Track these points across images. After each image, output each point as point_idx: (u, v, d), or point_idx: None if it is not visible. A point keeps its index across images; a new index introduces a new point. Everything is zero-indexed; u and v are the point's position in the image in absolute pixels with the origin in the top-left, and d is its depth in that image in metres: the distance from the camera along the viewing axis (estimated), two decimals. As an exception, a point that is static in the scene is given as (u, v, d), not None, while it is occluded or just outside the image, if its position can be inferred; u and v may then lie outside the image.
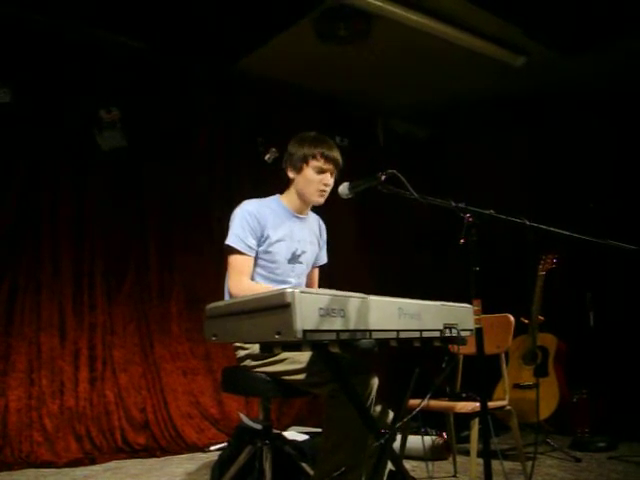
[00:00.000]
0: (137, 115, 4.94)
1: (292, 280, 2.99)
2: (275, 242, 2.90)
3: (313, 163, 2.90)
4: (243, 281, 2.81)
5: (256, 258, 2.90)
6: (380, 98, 6.19)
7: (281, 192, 3.05)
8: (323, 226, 3.24)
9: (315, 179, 2.91)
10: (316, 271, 3.28)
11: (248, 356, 2.80)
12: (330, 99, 6.05)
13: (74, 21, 4.55)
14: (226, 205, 2.99)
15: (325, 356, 2.13)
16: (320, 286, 3.27)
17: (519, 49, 5.11)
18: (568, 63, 5.24)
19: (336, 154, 2.94)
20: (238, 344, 2.83)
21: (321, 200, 2.97)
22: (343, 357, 2.71)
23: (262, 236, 2.88)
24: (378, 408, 2.63)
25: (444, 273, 6.23)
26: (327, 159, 2.90)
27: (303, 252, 3.01)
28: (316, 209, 3.12)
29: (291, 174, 2.97)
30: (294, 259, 2.98)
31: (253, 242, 2.85)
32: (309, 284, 3.24)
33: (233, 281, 2.83)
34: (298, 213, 3.03)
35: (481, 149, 6.22)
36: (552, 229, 2.33)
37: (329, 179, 2.94)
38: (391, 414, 2.65)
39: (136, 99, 4.96)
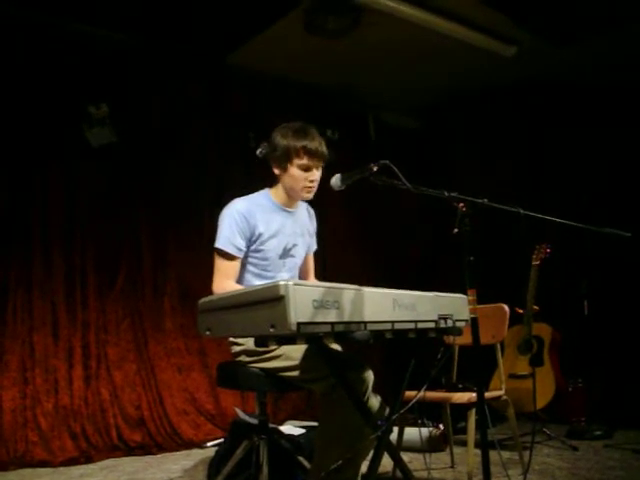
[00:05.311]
0: (127, 111, 4.90)
1: (284, 275, 2.96)
2: (267, 239, 2.87)
3: (297, 161, 2.80)
4: (227, 284, 2.76)
5: (247, 256, 2.87)
6: (370, 91, 6.17)
7: (270, 185, 3.00)
8: (313, 213, 3.18)
9: (301, 177, 2.83)
10: (310, 258, 3.23)
11: (243, 352, 2.77)
12: (320, 92, 6.02)
13: (62, 17, 4.51)
14: (218, 200, 2.95)
15: (320, 349, 2.12)
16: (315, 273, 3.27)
17: (510, 40, 5.10)
18: (559, 54, 5.22)
19: (320, 147, 2.82)
20: (233, 339, 2.81)
21: (309, 196, 2.91)
22: (337, 352, 2.71)
23: (253, 235, 2.83)
24: (374, 401, 2.63)
25: (435, 264, 6.24)
26: (310, 155, 2.79)
27: (294, 245, 2.98)
28: (307, 200, 3.09)
29: (276, 170, 2.90)
30: (285, 254, 2.94)
31: (242, 243, 2.80)
32: (305, 272, 3.21)
33: (216, 283, 2.79)
34: (287, 207, 2.97)
35: (474, 140, 6.21)
36: (546, 217, 2.33)
37: (315, 174, 2.85)
38: (386, 408, 2.65)
39: (126, 95, 4.93)
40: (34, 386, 4.41)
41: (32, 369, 4.43)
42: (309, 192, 2.89)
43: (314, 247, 3.24)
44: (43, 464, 4.20)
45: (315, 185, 2.89)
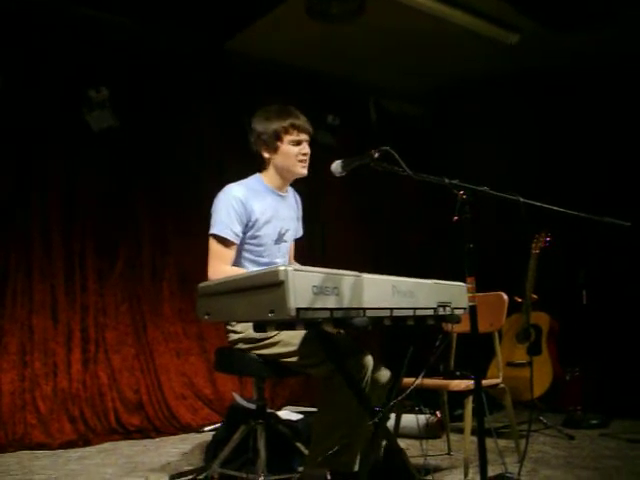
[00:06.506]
0: (127, 95, 4.88)
1: (279, 260, 2.96)
2: (263, 225, 2.86)
3: (287, 137, 2.86)
4: (223, 269, 2.74)
5: (242, 243, 2.86)
6: (372, 77, 6.13)
7: (260, 170, 2.99)
8: (299, 199, 3.19)
9: (294, 151, 2.87)
10: (292, 244, 3.23)
11: (240, 340, 2.77)
12: (322, 78, 5.99)
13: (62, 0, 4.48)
14: (217, 186, 2.94)
15: (319, 335, 2.12)
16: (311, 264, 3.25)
17: (513, 27, 5.06)
18: (563, 41, 5.18)
19: (306, 122, 2.90)
20: (230, 327, 2.80)
21: (304, 171, 2.92)
22: (336, 338, 2.71)
23: (249, 221, 2.82)
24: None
25: (435, 252, 6.24)
26: (299, 129, 2.87)
27: (287, 230, 2.99)
28: (307, 186, 3.08)
29: (266, 154, 2.91)
30: (280, 239, 2.95)
31: (239, 228, 2.79)
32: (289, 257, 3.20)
33: (212, 267, 2.78)
34: (279, 191, 2.98)
35: (475, 127, 6.19)
36: (546, 206, 2.32)
37: (307, 148, 2.90)
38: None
39: (126, 79, 4.90)
40: (33, 369, 4.42)
41: (31, 352, 4.44)
42: (304, 166, 2.92)
43: (300, 233, 3.23)
44: (41, 447, 4.22)
45: (307, 159, 2.92)
